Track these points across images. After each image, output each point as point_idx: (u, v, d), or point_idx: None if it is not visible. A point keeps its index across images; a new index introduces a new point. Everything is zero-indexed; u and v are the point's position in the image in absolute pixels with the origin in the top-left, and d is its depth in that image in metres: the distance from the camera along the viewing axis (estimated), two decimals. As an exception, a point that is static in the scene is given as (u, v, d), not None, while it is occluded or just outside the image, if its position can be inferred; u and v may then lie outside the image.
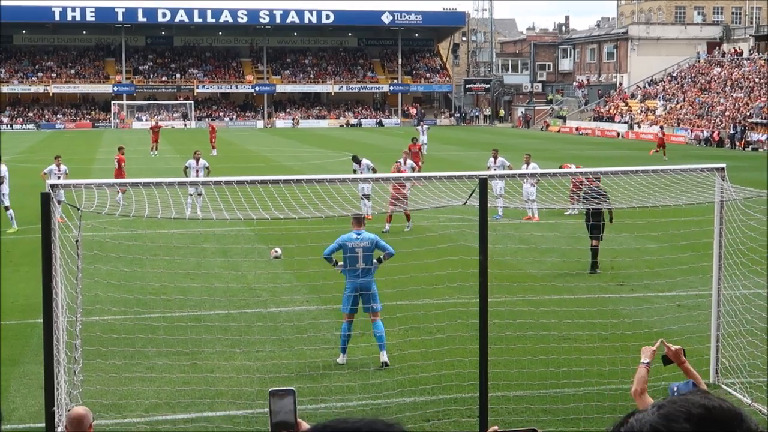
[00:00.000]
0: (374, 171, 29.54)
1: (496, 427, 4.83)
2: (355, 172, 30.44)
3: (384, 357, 14.32)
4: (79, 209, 10.75)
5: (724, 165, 13.67)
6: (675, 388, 6.84)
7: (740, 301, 13.94)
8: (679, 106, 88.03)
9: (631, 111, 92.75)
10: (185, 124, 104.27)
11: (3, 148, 64.16)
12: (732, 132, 73.63)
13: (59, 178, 27.90)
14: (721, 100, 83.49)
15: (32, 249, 21.77)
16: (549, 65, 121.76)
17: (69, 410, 8.94)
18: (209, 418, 12.49)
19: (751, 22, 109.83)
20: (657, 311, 17.27)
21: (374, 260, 14.51)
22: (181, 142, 70.16)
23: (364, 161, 30.40)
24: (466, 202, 12.06)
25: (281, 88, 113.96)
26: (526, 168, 29.35)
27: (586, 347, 14.78)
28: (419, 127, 66.88)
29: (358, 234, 14.49)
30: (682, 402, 1.99)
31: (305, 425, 2.98)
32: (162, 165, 46.93)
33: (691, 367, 7.66)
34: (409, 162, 31.47)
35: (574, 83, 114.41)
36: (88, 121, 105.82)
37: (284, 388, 3.02)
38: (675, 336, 15.30)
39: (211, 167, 32.46)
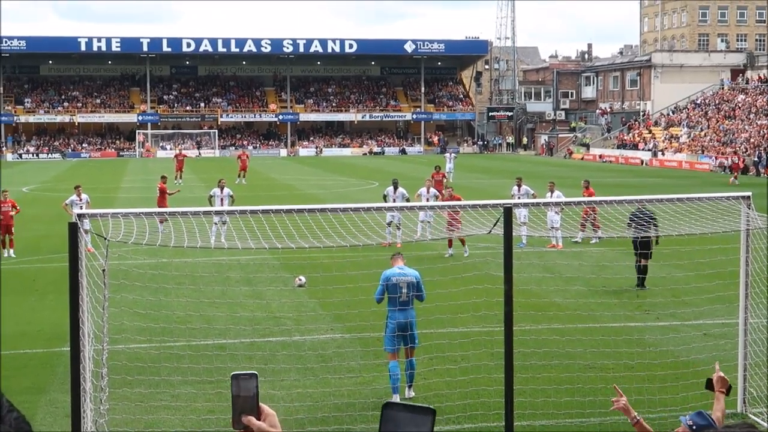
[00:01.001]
0: (407, 201, 29.57)
1: None
2: (385, 197, 30.51)
3: (410, 393, 14.31)
4: (105, 239, 10.82)
5: (750, 193, 13.63)
6: (690, 422, 6.81)
7: (767, 330, 13.84)
8: (703, 133, 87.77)
9: (654, 138, 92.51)
10: (199, 153, 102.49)
11: (29, 177, 64.67)
12: (756, 159, 73.30)
13: (81, 207, 27.99)
14: (746, 127, 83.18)
15: (58, 277, 21.89)
16: (572, 93, 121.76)
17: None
18: (234, 447, 12.47)
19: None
20: (683, 340, 17.17)
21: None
22: (205, 170, 70.54)
23: (400, 189, 30.47)
24: (491, 231, 12.07)
25: (304, 117, 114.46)
26: (551, 196, 29.33)
27: (612, 376, 14.69)
28: (447, 155, 66.97)
29: (401, 269, 14.36)
30: None
31: (267, 409, 2.96)
32: (187, 194, 47.16)
33: (722, 399, 7.63)
34: (432, 191, 31.49)
35: (597, 111, 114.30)
36: (113, 150, 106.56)
37: (247, 371, 2.97)
38: (701, 365, 15.19)
39: (235, 195, 32.59)
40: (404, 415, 2.41)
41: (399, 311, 14.06)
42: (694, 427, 6.65)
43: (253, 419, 2.92)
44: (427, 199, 30.48)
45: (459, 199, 25.06)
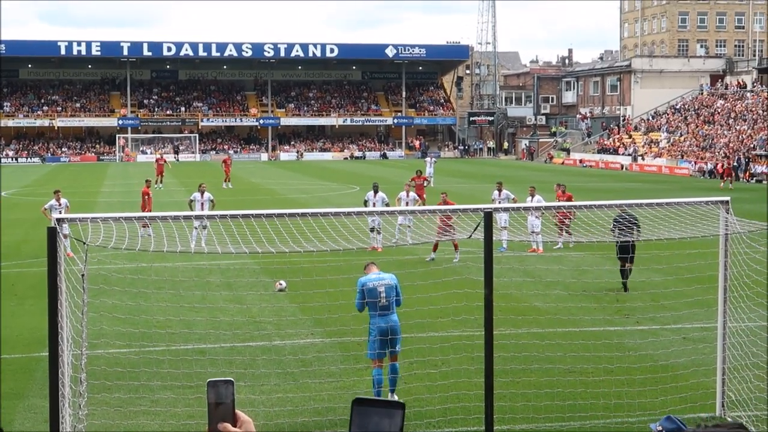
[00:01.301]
0: (387, 205, 29.57)
1: None
2: (365, 202, 30.55)
3: (393, 398, 14.07)
4: (84, 243, 10.78)
5: (728, 198, 13.71)
6: (659, 428, 6.83)
7: (746, 334, 13.91)
8: (682, 138, 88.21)
9: (634, 143, 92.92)
10: (176, 159, 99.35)
11: (9, 181, 64.33)
12: (736, 164, 73.73)
13: (60, 212, 27.81)
14: (725, 132, 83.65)
15: (37, 282, 21.78)
16: (552, 98, 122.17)
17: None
18: (214, 452, 12.44)
19: (754, 55, 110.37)
20: (662, 344, 17.23)
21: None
22: (186, 175, 70.35)
23: (380, 194, 30.50)
24: (471, 236, 12.09)
25: (285, 121, 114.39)
26: (531, 201, 29.39)
27: (592, 380, 14.73)
28: (427, 159, 67.15)
29: (378, 274, 14.11)
30: None
31: (244, 416, 2.95)
32: (167, 198, 47.02)
33: None
34: (412, 194, 31.51)
35: (578, 115, 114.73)
36: (93, 154, 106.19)
37: (223, 378, 2.95)
38: (681, 369, 15.27)
39: (216, 200, 32.51)
40: (375, 410, 2.40)
41: (380, 316, 13.83)
42: None
43: (229, 426, 2.91)
44: (407, 203, 30.50)
45: (452, 204, 25.05)
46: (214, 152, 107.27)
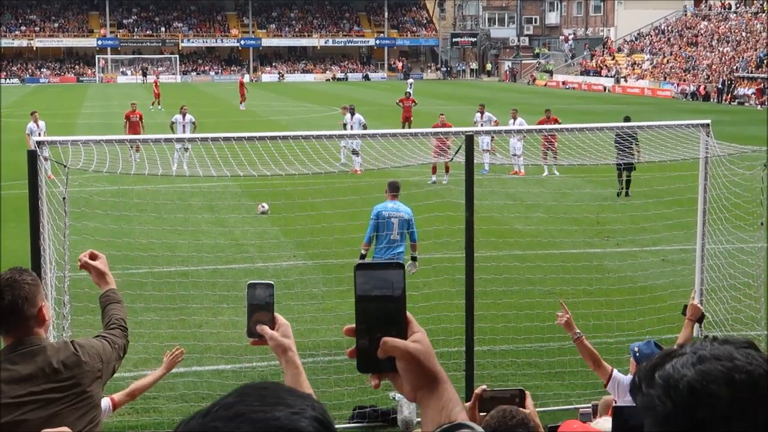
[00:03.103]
0: (365, 127, 29.51)
1: (484, 386, 4.91)
2: (344, 125, 30.52)
3: None
4: (65, 166, 10.74)
5: (709, 121, 13.72)
6: (636, 349, 7.13)
7: (723, 256, 14.04)
8: (665, 60, 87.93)
9: (617, 65, 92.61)
10: (144, 81, 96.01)
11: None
12: (720, 87, 73.67)
13: (39, 134, 27.64)
14: (708, 54, 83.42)
15: (19, 205, 21.68)
16: (536, 19, 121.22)
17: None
18: (198, 372, 12.61)
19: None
20: (642, 266, 17.41)
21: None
22: (167, 96, 69.78)
23: (357, 116, 30.43)
24: (452, 159, 12.11)
25: (267, 42, 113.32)
26: (513, 123, 29.38)
27: (571, 302, 14.85)
28: (409, 81, 67.36)
29: (394, 204, 14.03)
30: (725, 360, 1.80)
31: (282, 320, 3.00)
32: (148, 120, 46.71)
33: (690, 328, 7.92)
34: (357, 117, 31.13)
35: (561, 37, 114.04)
36: (72, 75, 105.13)
37: (263, 281, 2.99)
38: (659, 290, 15.45)
39: (197, 122, 32.37)
40: (377, 272, 2.42)
41: (385, 249, 13.79)
42: (637, 354, 6.91)
43: (266, 328, 2.96)
44: (351, 127, 30.44)
45: (450, 126, 24.94)
46: (195, 73, 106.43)
